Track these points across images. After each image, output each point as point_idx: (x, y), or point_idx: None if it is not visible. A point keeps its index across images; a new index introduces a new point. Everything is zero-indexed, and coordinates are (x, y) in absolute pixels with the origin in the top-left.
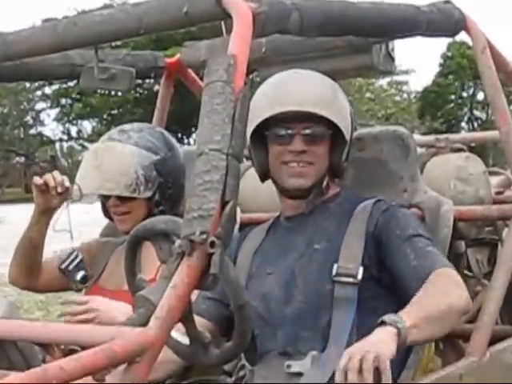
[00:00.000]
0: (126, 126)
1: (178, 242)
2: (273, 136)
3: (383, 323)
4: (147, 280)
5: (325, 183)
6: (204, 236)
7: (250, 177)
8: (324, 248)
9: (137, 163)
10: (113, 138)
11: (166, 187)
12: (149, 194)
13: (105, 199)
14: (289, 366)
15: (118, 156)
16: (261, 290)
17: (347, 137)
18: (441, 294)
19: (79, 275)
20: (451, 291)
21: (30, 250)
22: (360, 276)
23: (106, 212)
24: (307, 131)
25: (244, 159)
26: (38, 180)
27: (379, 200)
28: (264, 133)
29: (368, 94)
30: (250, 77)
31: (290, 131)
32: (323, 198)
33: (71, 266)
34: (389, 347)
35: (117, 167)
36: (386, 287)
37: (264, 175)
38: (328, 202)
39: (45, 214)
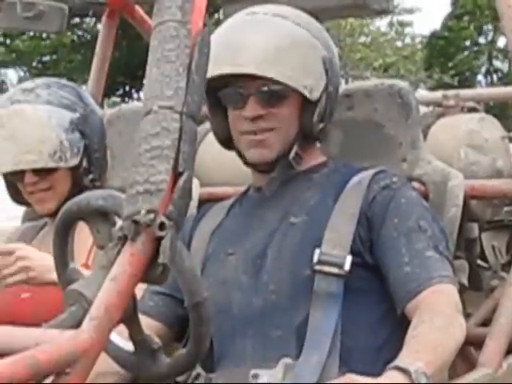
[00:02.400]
0: (28, 84)
1: (119, 223)
2: (226, 99)
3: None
4: (80, 270)
5: (293, 153)
6: (151, 216)
7: (212, 141)
8: (302, 222)
9: (56, 125)
10: (18, 100)
11: (92, 150)
12: (76, 161)
13: (15, 178)
14: (255, 376)
15: (33, 120)
16: (219, 275)
17: (310, 96)
18: (447, 327)
19: None
20: (454, 321)
21: None
22: (347, 266)
23: (15, 195)
24: (263, 90)
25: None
26: None
27: (380, 171)
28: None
29: (362, 39)
30: (214, 16)
31: (241, 91)
32: (297, 171)
33: None
34: None
35: (34, 134)
36: (381, 276)
37: (226, 144)
38: (311, 171)
39: None
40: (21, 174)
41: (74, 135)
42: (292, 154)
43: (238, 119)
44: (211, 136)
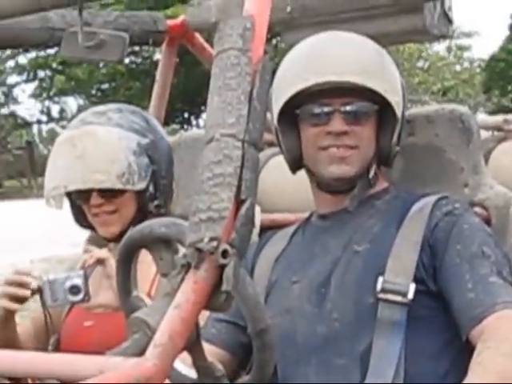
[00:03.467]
0: (101, 108)
1: (182, 250)
2: (306, 115)
3: None
4: (143, 298)
5: (372, 173)
6: (214, 243)
7: (273, 168)
8: (366, 250)
9: (125, 148)
10: (90, 122)
11: (159, 176)
12: (143, 185)
13: (81, 198)
14: None
15: (103, 140)
16: (284, 304)
17: (398, 113)
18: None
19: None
20: None
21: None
22: (411, 294)
23: (79, 217)
24: (348, 108)
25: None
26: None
27: (442, 198)
28: (294, 112)
29: (420, 63)
30: (273, 43)
31: (326, 108)
32: (370, 192)
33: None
34: None
35: (104, 154)
36: (444, 304)
37: (296, 164)
38: (374, 198)
39: (10, 318)
40: (87, 194)
41: (142, 159)
42: (372, 173)
43: (318, 135)
44: (273, 162)
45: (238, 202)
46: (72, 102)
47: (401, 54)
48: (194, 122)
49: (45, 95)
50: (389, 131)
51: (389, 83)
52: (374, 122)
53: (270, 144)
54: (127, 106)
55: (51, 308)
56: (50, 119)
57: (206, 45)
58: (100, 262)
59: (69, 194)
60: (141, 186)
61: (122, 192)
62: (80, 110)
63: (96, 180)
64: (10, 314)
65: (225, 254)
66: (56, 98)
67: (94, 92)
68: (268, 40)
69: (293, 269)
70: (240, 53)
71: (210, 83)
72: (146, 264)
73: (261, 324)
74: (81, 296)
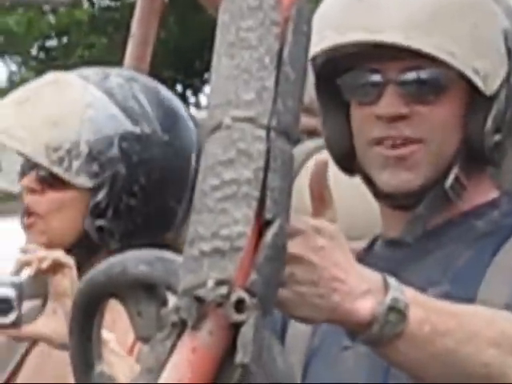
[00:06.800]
0: (111, 70)
1: (172, 300)
2: (347, 89)
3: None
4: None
5: (451, 179)
6: (223, 290)
7: None
8: (444, 294)
9: (88, 119)
10: (83, 75)
11: (123, 185)
12: (86, 181)
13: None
14: None
15: (66, 96)
16: (330, 379)
17: (482, 85)
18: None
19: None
20: None
21: None
22: None
23: None
24: (409, 77)
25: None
26: None
27: None
28: (336, 81)
29: None
30: None
31: (375, 77)
32: (459, 211)
33: None
34: None
35: (54, 112)
36: None
37: (346, 164)
38: (474, 215)
39: None
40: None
41: (108, 149)
42: (450, 181)
43: (366, 121)
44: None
45: (261, 225)
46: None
47: None
48: (191, 100)
49: None
50: (480, 112)
51: (463, 43)
52: (459, 100)
53: (312, 132)
54: (150, 80)
55: None
56: None
57: None
58: (55, 269)
59: None
60: (82, 180)
61: (60, 182)
62: (12, 78)
63: (17, 137)
64: None
65: (240, 305)
66: None
67: (34, 52)
68: None
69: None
70: None
71: (216, 38)
72: (119, 325)
73: None
74: (12, 317)
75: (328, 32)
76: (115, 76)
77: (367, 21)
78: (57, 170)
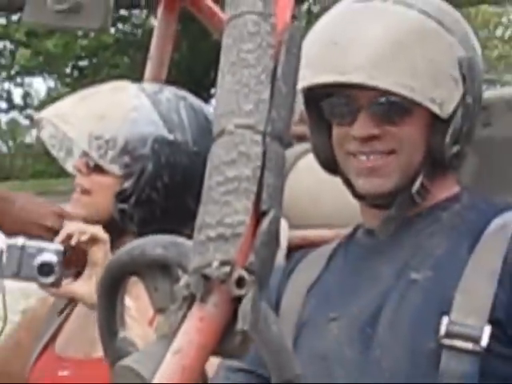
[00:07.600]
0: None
1: (184, 278)
2: (328, 111)
3: None
4: (133, 340)
5: (417, 185)
6: (226, 269)
7: (305, 170)
8: (427, 280)
9: (133, 121)
10: (140, 85)
11: (151, 179)
12: (117, 169)
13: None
14: None
15: (117, 97)
16: (318, 348)
17: (439, 111)
18: None
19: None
20: None
21: None
22: (485, 341)
23: None
24: (379, 101)
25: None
26: None
27: None
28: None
29: (499, 32)
30: (305, 6)
31: (350, 105)
32: (421, 208)
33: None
34: None
35: (104, 108)
36: None
37: (330, 167)
38: (439, 208)
39: None
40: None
41: (143, 146)
42: (416, 186)
43: (343, 138)
44: (304, 162)
45: (258, 215)
46: (39, 84)
47: (473, 19)
48: None
49: (4, 75)
50: (440, 129)
51: (421, 76)
52: (423, 118)
53: (301, 138)
54: (198, 101)
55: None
56: (11, 106)
57: (216, 8)
58: (93, 241)
59: None
60: (115, 168)
61: (99, 169)
62: (50, 94)
63: (64, 119)
64: None
65: (240, 282)
66: (18, 79)
67: (68, 71)
68: (298, 1)
69: (331, 302)
70: (260, 18)
71: (221, 58)
72: (143, 301)
73: (288, 374)
74: (51, 279)
75: (307, 72)
76: (169, 92)
77: (338, 63)
78: (94, 154)
